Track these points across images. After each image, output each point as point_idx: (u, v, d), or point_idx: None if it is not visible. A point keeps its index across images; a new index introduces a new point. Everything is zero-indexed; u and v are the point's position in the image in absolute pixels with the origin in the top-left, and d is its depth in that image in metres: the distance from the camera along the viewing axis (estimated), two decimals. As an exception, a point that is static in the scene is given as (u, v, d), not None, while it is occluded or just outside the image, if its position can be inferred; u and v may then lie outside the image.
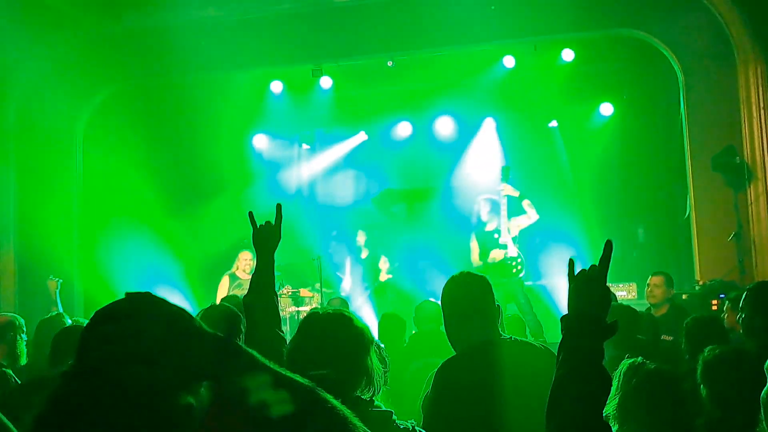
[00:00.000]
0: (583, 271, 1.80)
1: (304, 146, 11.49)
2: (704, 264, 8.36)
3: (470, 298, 3.11)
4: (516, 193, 8.77)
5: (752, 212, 8.10)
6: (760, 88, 7.94)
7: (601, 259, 1.80)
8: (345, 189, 11.58)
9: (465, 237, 9.30)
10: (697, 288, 8.16)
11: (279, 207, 2.86)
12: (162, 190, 9.98)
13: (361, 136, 11.30)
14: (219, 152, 10.86)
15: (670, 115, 10.00)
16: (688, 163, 8.57)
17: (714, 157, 8.19)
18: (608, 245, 1.81)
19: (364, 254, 10.05)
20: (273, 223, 2.87)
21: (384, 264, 9.76)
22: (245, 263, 9.05)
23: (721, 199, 8.24)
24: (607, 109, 10.59)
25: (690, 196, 8.60)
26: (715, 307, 7.46)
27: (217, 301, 8.68)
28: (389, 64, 9.28)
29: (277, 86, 10.47)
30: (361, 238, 10.01)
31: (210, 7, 8.93)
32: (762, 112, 7.95)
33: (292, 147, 11.61)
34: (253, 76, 10.41)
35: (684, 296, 8.03)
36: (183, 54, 9.03)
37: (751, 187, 8.10)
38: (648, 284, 6.95)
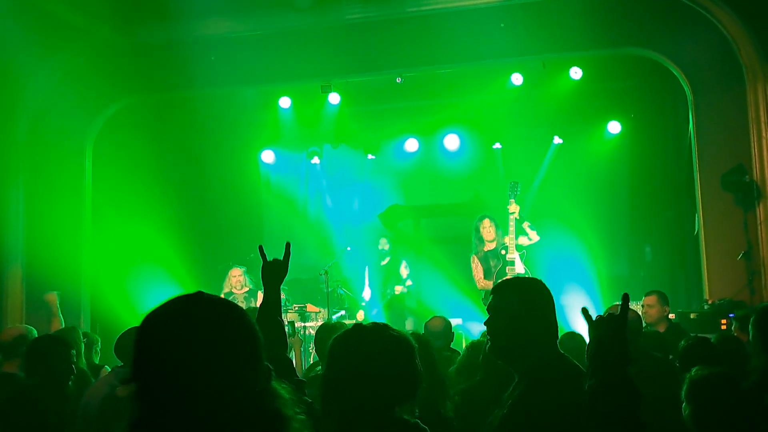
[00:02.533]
0: (600, 317, 2.06)
1: (313, 161, 11.50)
2: (713, 283, 8.31)
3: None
4: (516, 217, 8.78)
5: (762, 231, 8.06)
6: (770, 107, 7.94)
7: (621, 308, 2.05)
8: (351, 205, 11.60)
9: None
10: (706, 307, 8.12)
11: (288, 245, 2.91)
12: (171, 205, 10.01)
13: (369, 157, 11.36)
14: (228, 167, 10.90)
15: (677, 133, 10.01)
16: (697, 181, 8.55)
17: (723, 175, 8.17)
18: (625, 298, 2.06)
19: (385, 261, 9.93)
20: (282, 259, 2.88)
21: (405, 270, 9.63)
22: (236, 280, 9.34)
23: (731, 218, 8.20)
24: (614, 127, 10.59)
25: (699, 214, 8.57)
26: (724, 327, 7.43)
27: None
28: (398, 80, 9.30)
29: (285, 102, 10.51)
30: (383, 244, 9.90)
31: (222, 24, 8.98)
32: (772, 130, 7.95)
33: (300, 162, 11.64)
34: (262, 91, 10.46)
35: (692, 315, 7.99)
36: (193, 69, 9.11)
37: (761, 206, 8.06)
38: (642, 304, 6.91)
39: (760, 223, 8.09)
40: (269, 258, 2.84)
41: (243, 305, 8.64)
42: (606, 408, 1.95)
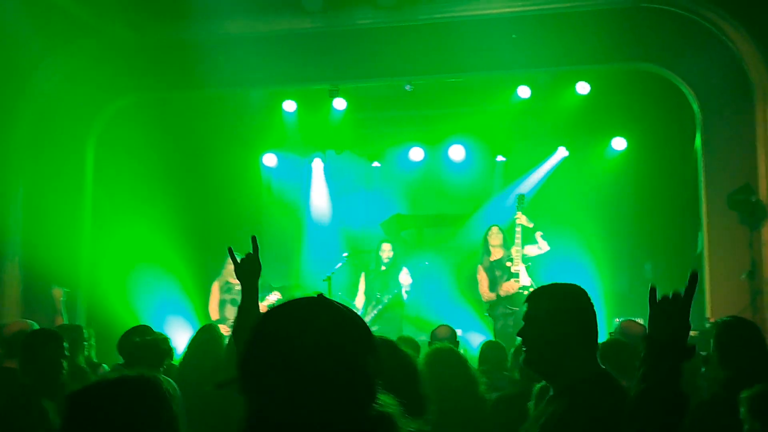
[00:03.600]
0: (665, 297, 1.97)
1: (315, 166, 11.42)
2: (716, 301, 8.28)
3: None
4: (530, 224, 8.75)
5: (766, 252, 8.04)
6: (778, 127, 7.93)
7: (686, 288, 1.96)
8: (354, 212, 11.54)
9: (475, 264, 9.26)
10: (707, 325, 8.08)
11: (254, 239, 2.91)
12: (171, 205, 9.93)
13: (374, 164, 11.30)
14: (230, 169, 10.83)
15: (683, 151, 9.99)
16: (703, 199, 8.53)
17: (730, 194, 8.15)
18: (694, 276, 1.97)
19: (383, 268, 9.43)
20: (252, 254, 2.88)
21: (407, 277, 9.25)
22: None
23: (736, 237, 8.18)
24: (620, 143, 10.58)
25: (704, 232, 8.55)
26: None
27: (210, 310, 8.62)
28: (407, 87, 9.27)
29: (290, 105, 10.44)
30: (386, 251, 9.40)
31: (231, 24, 8.94)
32: (779, 151, 7.94)
33: (303, 167, 11.58)
34: (267, 94, 10.41)
35: (693, 333, 7.95)
36: (199, 69, 9.06)
37: (766, 226, 8.05)
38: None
39: (765, 243, 8.07)
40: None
41: (238, 296, 8.49)
42: (647, 419, 1.88)
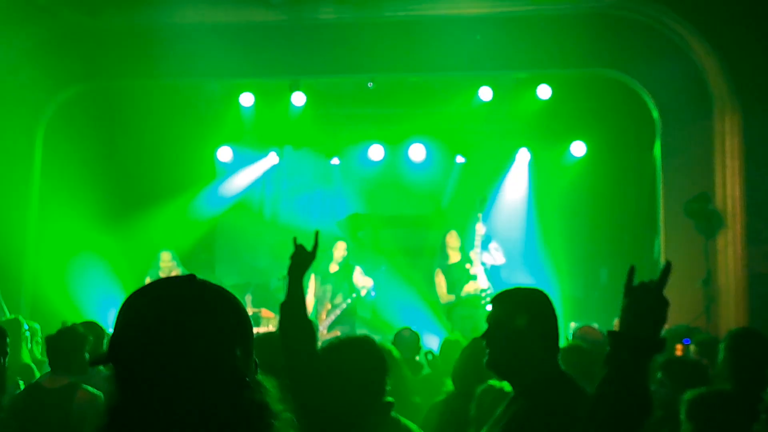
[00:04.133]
0: (642, 283, 1.89)
1: (271, 162, 11.19)
2: (671, 308, 8.29)
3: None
4: (482, 231, 8.73)
5: (721, 260, 8.14)
6: (736, 138, 8.03)
7: (660, 275, 1.88)
8: (310, 210, 11.36)
9: (432, 265, 9.19)
10: (662, 332, 8.14)
11: (317, 233, 3.12)
12: (122, 197, 9.67)
13: (334, 162, 11.12)
14: (183, 162, 10.56)
15: (640, 158, 10.08)
16: (661, 207, 8.60)
17: (687, 202, 8.24)
18: (668, 265, 1.91)
19: (334, 268, 9.15)
20: (310, 249, 3.04)
21: (364, 279, 8.99)
22: (165, 265, 9.16)
23: (692, 244, 8.27)
24: (579, 148, 10.62)
25: (660, 240, 8.62)
26: (679, 352, 7.45)
27: None
28: (369, 85, 9.15)
29: (247, 99, 10.19)
30: (339, 250, 9.13)
31: (188, 13, 8.68)
32: (736, 161, 8.04)
33: (259, 162, 11.35)
34: (224, 86, 10.16)
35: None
36: (152, 57, 8.81)
37: (721, 234, 8.15)
38: (614, 326, 6.89)
39: (720, 251, 8.17)
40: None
41: None
42: (609, 417, 1.79)
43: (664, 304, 1.85)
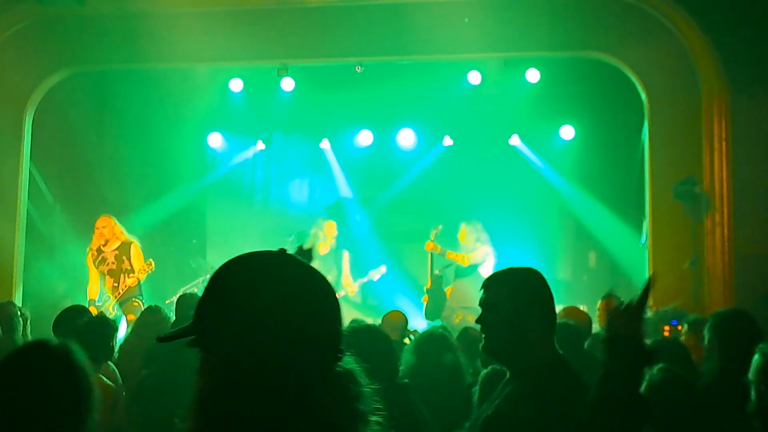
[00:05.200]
0: (621, 304, 1.98)
1: (261, 148, 11.18)
2: (658, 290, 8.37)
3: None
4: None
5: (708, 242, 8.19)
6: (724, 120, 8.05)
7: (640, 295, 1.95)
8: (300, 194, 11.36)
9: (421, 251, 9.24)
10: (649, 314, 8.19)
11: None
12: (112, 183, 9.62)
13: (323, 145, 11.11)
14: (173, 148, 10.54)
15: (628, 142, 10.11)
16: (648, 189, 8.63)
17: (675, 185, 8.26)
18: (651, 279, 2.14)
19: (324, 249, 9.14)
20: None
21: (347, 262, 9.10)
22: (99, 233, 8.07)
23: (679, 227, 8.30)
24: (568, 132, 10.64)
25: (648, 222, 8.65)
26: (666, 333, 7.52)
27: (90, 288, 8.02)
28: (358, 69, 9.11)
29: (237, 84, 10.18)
30: (332, 229, 9.16)
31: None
32: (724, 143, 8.07)
33: (248, 148, 11.33)
34: (213, 71, 10.12)
35: (605, 304, 8.08)
36: (143, 43, 8.75)
37: (709, 217, 8.19)
38: (598, 307, 6.96)
39: (707, 234, 8.22)
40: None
41: (113, 264, 7.90)
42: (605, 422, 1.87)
43: (641, 318, 1.92)
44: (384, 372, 2.84)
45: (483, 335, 2.56)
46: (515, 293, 2.50)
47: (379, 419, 1.28)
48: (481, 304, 2.57)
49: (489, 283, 2.60)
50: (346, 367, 1.27)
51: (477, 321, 2.59)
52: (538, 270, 2.63)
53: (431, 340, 4.33)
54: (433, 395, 3.71)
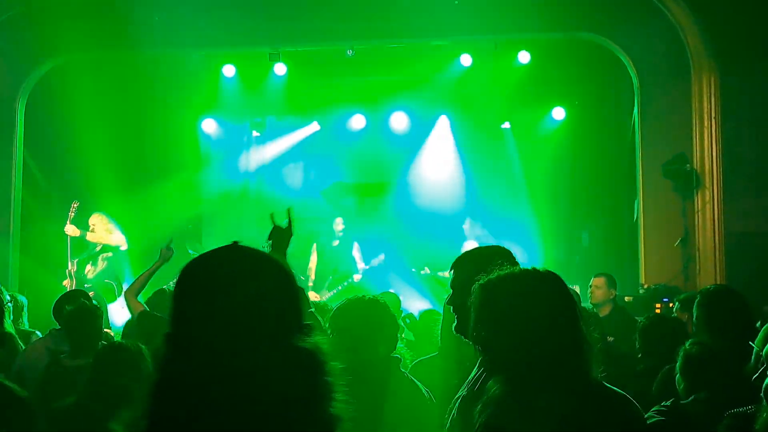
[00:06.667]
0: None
1: (254, 133, 11.22)
2: (649, 268, 8.49)
3: None
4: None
5: (698, 219, 8.27)
6: (713, 98, 8.12)
7: None
8: (294, 179, 11.40)
9: (417, 233, 9.31)
10: (641, 291, 8.28)
11: (289, 210, 3.08)
12: (106, 169, 9.63)
13: (314, 126, 11.13)
14: (166, 134, 10.55)
15: (620, 121, 10.16)
16: (639, 168, 8.69)
17: (665, 164, 8.34)
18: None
19: (336, 243, 9.61)
20: (285, 225, 3.06)
21: (358, 253, 9.38)
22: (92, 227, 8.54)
23: (670, 205, 8.39)
24: (559, 113, 10.69)
25: (639, 201, 8.73)
26: (658, 311, 7.61)
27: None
28: (349, 53, 9.14)
29: (229, 70, 10.21)
30: (338, 225, 9.57)
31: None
32: (713, 121, 8.13)
33: (242, 133, 11.35)
34: (205, 57, 10.12)
35: (627, 299, 8.15)
36: (135, 28, 8.73)
37: (699, 194, 8.27)
38: (590, 285, 7.04)
39: (698, 212, 8.30)
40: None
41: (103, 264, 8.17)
42: None
43: None
44: (381, 343, 2.93)
45: (455, 316, 2.56)
46: (480, 272, 2.35)
47: (344, 395, 1.34)
48: (450, 285, 2.59)
49: (457, 264, 2.62)
50: (312, 343, 1.34)
51: (447, 303, 2.61)
52: (503, 246, 2.67)
53: None
54: None
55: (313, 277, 9.36)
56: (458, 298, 2.52)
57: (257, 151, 11.37)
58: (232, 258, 1.38)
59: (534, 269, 2.09)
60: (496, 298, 2.01)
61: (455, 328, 2.58)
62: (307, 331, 1.36)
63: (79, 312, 4.50)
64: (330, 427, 1.31)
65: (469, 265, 2.55)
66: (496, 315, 1.97)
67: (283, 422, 1.26)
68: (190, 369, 1.28)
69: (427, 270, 9.38)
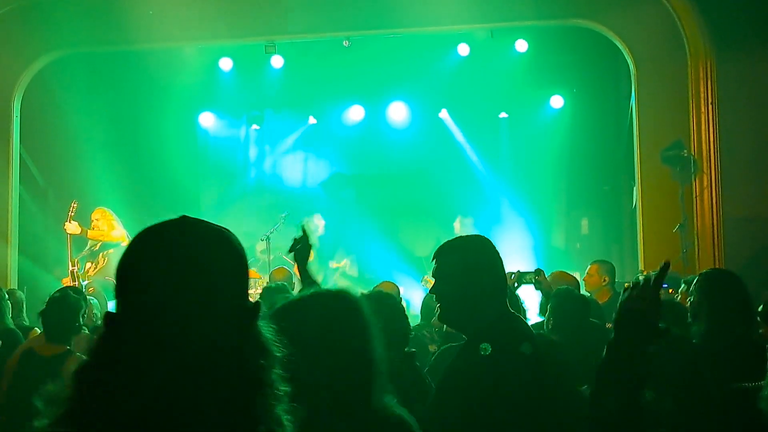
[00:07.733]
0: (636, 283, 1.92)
1: (253, 126, 11.22)
2: (649, 254, 8.49)
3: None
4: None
5: (697, 205, 8.27)
6: (710, 84, 8.11)
7: (657, 275, 1.90)
8: (293, 171, 11.40)
9: (415, 224, 9.32)
10: (640, 277, 8.27)
11: (304, 225, 3.24)
12: (103, 165, 9.63)
13: (311, 121, 11.13)
14: (164, 129, 10.55)
15: (618, 109, 10.17)
16: (637, 155, 8.69)
17: (663, 150, 8.33)
18: (665, 265, 1.91)
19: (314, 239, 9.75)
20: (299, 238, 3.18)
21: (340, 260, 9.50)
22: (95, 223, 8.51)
23: (668, 191, 8.38)
24: (557, 101, 10.69)
25: (637, 188, 8.73)
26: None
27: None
28: (345, 43, 9.12)
29: (226, 63, 10.20)
30: (318, 221, 9.54)
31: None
32: (710, 107, 8.13)
33: (240, 126, 11.35)
34: (202, 51, 10.10)
35: (626, 284, 8.16)
36: (130, 23, 8.72)
37: (697, 180, 8.28)
38: (587, 272, 7.05)
39: (696, 197, 8.30)
40: None
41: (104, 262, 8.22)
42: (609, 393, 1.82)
43: (656, 303, 1.85)
44: (394, 339, 2.87)
45: (438, 305, 2.62)
46: (464, 261, 2.55)
47: (286, 389, 1.30)
48: (433, 274, 2.62)
49: (439, 254, 2.64)
50: (259, 335, 1.31)
51: (430, 292, 2.69)
52: (483, 235, 2.71)
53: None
54: None
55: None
56: (442, 288, 2.57)
57: (255, 144, 11.38)
58: (181, 230, 1.32)
59: (327, 291, 2.07)
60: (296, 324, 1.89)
61: (438, 317, 2.66)
62: (251, 321, 1.31)
63: (57, 300, 4.49)
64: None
65: (450, 256, 2.60)
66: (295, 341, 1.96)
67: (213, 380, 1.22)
68: (122, 342, 1.24)
69: (427, 278, 9.40)
